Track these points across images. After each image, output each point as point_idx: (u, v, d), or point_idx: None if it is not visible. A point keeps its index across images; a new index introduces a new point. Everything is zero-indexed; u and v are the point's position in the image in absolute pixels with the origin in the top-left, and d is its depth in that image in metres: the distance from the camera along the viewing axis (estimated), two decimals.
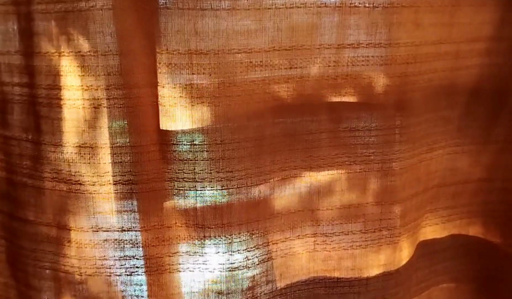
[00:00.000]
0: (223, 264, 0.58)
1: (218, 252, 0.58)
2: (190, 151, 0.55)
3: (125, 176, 0.54)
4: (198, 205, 0.57)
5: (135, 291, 0.57)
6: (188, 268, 0.59)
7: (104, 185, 0.54)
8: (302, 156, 0.61)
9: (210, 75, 0.53)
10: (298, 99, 0.58)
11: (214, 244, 0.58)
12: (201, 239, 0.57)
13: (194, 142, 0.55)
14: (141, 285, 0.57)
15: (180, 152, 0.55)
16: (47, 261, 0.56)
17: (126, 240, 0.56)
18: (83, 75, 0.51)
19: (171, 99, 0.53)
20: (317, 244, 0.64)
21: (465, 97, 0.69)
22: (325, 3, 0.55)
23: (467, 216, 0.75)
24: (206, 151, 0.55)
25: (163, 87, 0.53)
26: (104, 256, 0.56)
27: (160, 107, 0.54)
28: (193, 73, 0.53)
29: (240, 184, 0.57)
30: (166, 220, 0.57)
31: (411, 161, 0.64)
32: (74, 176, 0.54)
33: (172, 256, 0.58)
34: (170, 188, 0.56)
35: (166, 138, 0.55)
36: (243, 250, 0.59)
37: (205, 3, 0.51)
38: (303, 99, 0.59)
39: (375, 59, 0.58)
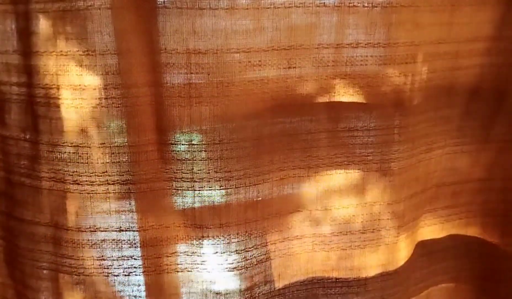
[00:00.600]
0: (221, 264, 0.58)
1: (217, 252, 0.58)
2: (189, 151, 0.55)
3: (123, 175, 0.54)
4: (197, 205, 0.57)
5: (133, 291, 0.57)
6: (186, 268, 0.58)
7: (102, 184, 0.54)
8: (301, 155, 0.61)
9: (209, 74, 0.53)
10: (297, 99, 0.58)
11: (212, 244, 0.58)
12: (200, 239, 0.57)
13: (193, 142, 0.55)
14: (139, 285, 0.57)
15: (179, 151, 0.55)
16: (45, 261, 0.56)
17: (124, 240, 0.56)
18: (81, 75, 0.51)
19: (169, 99, 0.53)
20: (316, 244, 0.64)
21: (464, 97, 0.69)
22: (324, 2, 0.55)
23: (466, 216, 0.75)
24: (205, 151, 0.55)
25: (162, 86, 0.53)
26: (102, 256, 0.55)
27: (158, 107, 0.54)
28: (191, 73, 0.53)
29: (238, 183, 0.57)
30: (164, 220, 0.57)
31: (410, 161, 0.64)
32: (72, 175, 0.53)
33: (170, 256, 0.58)
34: (168, 187, 0.56)
35: (164, 138, 0.55)
36: (241, 250, 0.59)
37: (204, 2, 0.51)
38: (301, 99, 0.58)
39: (374, 59, 0.58)
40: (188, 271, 0.58)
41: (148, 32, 0.52)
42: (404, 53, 0.59)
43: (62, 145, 0.53)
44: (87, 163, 0.53)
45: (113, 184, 0.54)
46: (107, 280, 0.56)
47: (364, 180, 0.63)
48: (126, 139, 0.53)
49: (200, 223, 0.57)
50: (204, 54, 0.52)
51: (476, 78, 0.68)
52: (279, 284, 0.63)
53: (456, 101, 0.69)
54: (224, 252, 0.58)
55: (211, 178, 0.56)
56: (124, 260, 0.56)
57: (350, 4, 0.56)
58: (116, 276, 0.56)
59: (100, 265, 0.56)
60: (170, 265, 0.58)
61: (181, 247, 0.58)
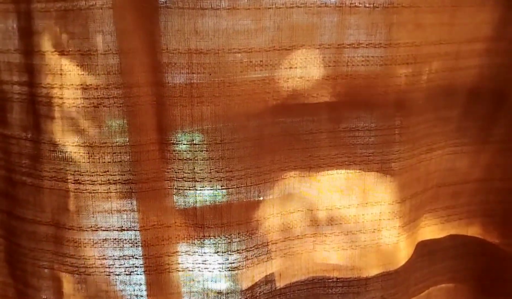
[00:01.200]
0: (223, 263, 0.58)
1: (218, 252, 0.58)
2: (190, 150, 0.55)
3: (124, 175, 0.54)
4: (198, 204, 0.57)
5: (134, 290, 0.57)
6: (188, 267, 0.59)
7: (103, 184, 0.54)
8: (302, 155, 0.61)
9: (210, 74, 0.53)
10: (298, 99, 0.58)
11: (213, 243, 0.58)
12: (201, 238, 0.57)
13: (194, 141, 0.55)
14: (140, 284, 0.57)
15: (180, 151, 0.55)
16: (46, 260, 0.56)
17: (126, 240, 0.56)
18: (83, 74, 0.51)
19: (170, 98, 0.53)
20: (316, 244, 0.64)
21: (465, 98, 0.69)
22: (325, 3, 0.55)
23: (466, 216, 0.75)
24: (206, 151, 0.55)
25: (163, 86, 0.53)
26: (103, 255, 0.56)
27: (159, 107, 0.54)
28: (193, 73, 0.53)
29: (239, 183, 0.57)
30: (165, 220, 0.57)
31: (411, 161, 0.64)
32: (74, 175, 0.53)
33: (172, 256, 0.58)
34: (169, 187, 0.56)
35: (165, 138, 0.55)
36: (242, 250, 0.59)
37: (205, 2, 0.51)
38: (303, 99, 0.59)
39: (375, 59, 0.58)
40: (189, 270, 0.59)
41: (149, 32, 0.52)
42: (405, 53, 0.59)
43: (64, 145, 0.53)
44: (89, 162, 0.53)
45: (114, 183, 0.54)
46: (108, 279, 0.56)
47: (365, 180, 0.63)
48: (127, 139, 0.53)
49: (201, 222, 0.57)
50: (206, 54, 0.52)
51: (476, 78, 0.68)
52: (280, 284, 0.63)
53: (456, 101, 0.69)
54: (225, 252, 0.58)
55: (213, 178, 0.56)
56: (125, 259, 0.56)
57: (352, 5, 0.56)
58: (118, 275, 0.56)
59: (101, 264, 0.56)
60: (171, 264, 0.58)
61: (182, 247, 0.58)
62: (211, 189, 0.56)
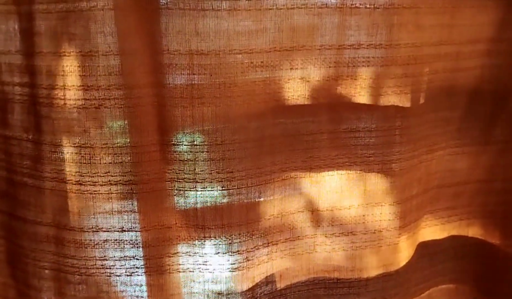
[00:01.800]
0: (223, 264, 0.58)
1: (218, 253, 0.58)
2: (191, 151, 0.55)
3: (125, 176, 0.54)
4: (199, 205, 0.57)
5: (135, 291, 0.57)
6: (188, 268, 0.59)
7: (104, 185, 0.54)
8: (303, 156, 0.61)
9: (211, 75, 0.53)
10: (299, 100, 0.58)
11: (214, 244, 0.58)
12: (201, 239, 0.57)
13: (195, 142, 0.55)
14: (141, 285, 0.57)
15: (181, 152, 0.55)
16: (47, 261, 0.56)
17: (126, 240, 0.56)
18: (84, 75, 0.51)
19: (171, 99, 0.53)
20: (317, 244, 0.64)
21: (465, 99, 0.69)
22: (326, 4, 0.55)
23: (467, 217, 0.75)
24: (207, 151, 0.55)
25: (164, 87, 0.53)
26: (104, 256, 0.56)
27: (160, 108, 0.54)
28: (193, 74, 0.53)
29: (240, 184, 0.57)
30: (166, 220, 0.57)
31: (411, 162, 0.64)
32: (75, 176, 0.54)
33: (172, 257, 0.58)
34: (170, 188, 0.56)
35: (166, 139, 0.55)
36: (243, 251, 0.59)
37: (206, 3, 0.51)
38: (303, 100, 0.59)
39: (376, 60, 0.58)
40: (190, 271, 0.59)
41: (150, 33, 0.52)
42: (406, 54, 0.59)
43: (65, 146, 0.53)
44: (90, 163, 0.53)
45: (115, 184, 0.54)
46: (109, 280, 0.56)
47: (365, 181, 0.63)
48: (128, 140, 0.53)
49: (202, 223, 0.57)
50: (207, 55, 0.52)
51: (477, 79, 0.68)
52: (280, 285, 0.63)
53: (456, 102, 0.69)
54: (226, 253, 0.58)
55: (213, 179, 0.56)
56: (126, 260, 0.56)
57: (352, 6, 0.56)
58: (118, 276, 0.56)
59: (102, 265, 0.56)
60: (172, 265, 0.58)
61: (183, 247, 0.58)
62: (211, 190, 0.56)
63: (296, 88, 0.58)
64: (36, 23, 0.51)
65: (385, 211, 0.64)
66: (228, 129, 0.55)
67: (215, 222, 0.57)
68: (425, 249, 0.72)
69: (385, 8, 0.56)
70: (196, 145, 0.55)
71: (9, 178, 0.57)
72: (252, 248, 0.59)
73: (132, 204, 0.55)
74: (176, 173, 0.56)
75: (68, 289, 0.56)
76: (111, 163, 0.53)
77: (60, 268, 0.56)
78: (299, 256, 0.64)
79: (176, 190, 0.56)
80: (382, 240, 0.64)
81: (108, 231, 0.55)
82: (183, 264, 0.58)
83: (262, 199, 0.59)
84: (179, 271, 0.58)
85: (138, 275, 0.57)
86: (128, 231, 0.56)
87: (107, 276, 0.56)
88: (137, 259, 0.56)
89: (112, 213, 0.55)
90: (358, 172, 0.62)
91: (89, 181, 0.54)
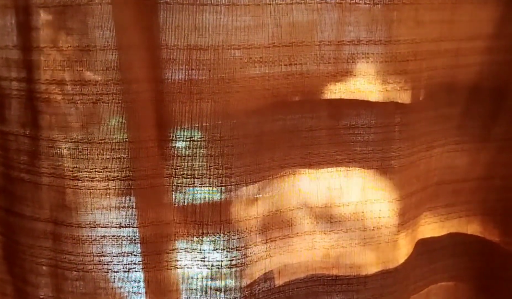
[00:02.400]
0: (221, 261, 0.58)
1: (216, 249, 0.58)
2: (189, 147, 0.55)
3: (123, 171, 0.54)
4: (197, 201, 0.56)
5: (132, 287, 0.57)
6: (186, 264, 0.58)
7: (102, 180, 0.53)
8: (301, 153, 0.61)
9: (210, 71, 0.53)
10: (298, 96, 0.58)
11: (212, 240, 0.58)
12: (200, 235, 0.57)
13: (193, 138, 0.55)
14: (139, 281, 0.57)
15: (179, 148, 0.55)
16: (44, 257, 0.56)
17: (124, 236, 0.55)
18: (82, 70, 0.51)
19: (170, 95, 0.53)
20: (316, 241, 0.64)
21: (465, 95, 0.69)
22: None
23: (466, 214, 0.75)
24: (205, 147, 0.55)
25: (162, 82, 0.53)
26: (102, 252, 0.55)
27: (159, 103, 0.54)
28: (192, 69, 0.52)
29: (239, 180, 0.57)
30: (164, 217, 0.56)
31: (411, 159, 0.64)
32: (72, 171, 0.53)
33: (170, 253, 0.58)
34: (168, 184, 0.56)
35: (164, 134, 0.55)
36: (241, 247, 0.59)
37: None
38: (302, 96, 0.58)
39: (375, 56, 0.58)
40: (188, 267, 0.58)
41: (149, 28, 0.51)
42: (405, 50, 0.59)
43: (62, 141, 0.53)
44: (87, 159, 0.53)
45: (113, 180, 0.54)
46: (106, 276, 0.56)
47: (364, 177, 0.63)
48: (126, 135, 0.53)
49: (200, 219, 0.57)
50: (205, 50, 0.52)
51: (477, 76, 0.68)
52: (279, 281, 0.63)
53: (456, 99, 0.69)
54: (224, 249, 0.58)
55: (212, 175, 0.56)
56: (123, 256, 0.56)
57: (352, 1, 0.56)
58: (116, 272, 0.56)
59: (100, 261, 0.55)
60: (170, 261, 0.58)
61: (181, 244, 0.58)
62: (210, 186, 0.56)
63: (295, 84, 0.57)
64: (34, 18, 0.50)
65: (384, 207, 0.64)
66: (226, 125, 0.55)
67: (213, 218, 0.57)
68: (424, 246, 0.72)
69: (384, 4, 0.56)
70: (195, 141, 0.55)
71: (6, 173, 0.57)
72: (250, 245, 0.59)
73: (130, 200, 0.55)
74: (174, 169, 0.55)
75: (65, 285, 0.56)
76: (108, 158, 0.53)
77: (58, 264, 0.56)
78: (298, 252, 0.63)
79: (174, 186, 0.56)
80: (381, 237, 0.64)
81: (105, 227, 0.55)
82: (181, 260, 0.58)
83: (260, 195, 0.59)
84: (177, 268, 0.58)
85: (135, 271, 0.56)
86: (125, 227, 0.55)
87: (105, 272, 0.56)
88: (134, 255, 0.56)
89: (110, 209, 0.55)
90: (357, 168, 0.62)
91: (86, 177, 0.53)
